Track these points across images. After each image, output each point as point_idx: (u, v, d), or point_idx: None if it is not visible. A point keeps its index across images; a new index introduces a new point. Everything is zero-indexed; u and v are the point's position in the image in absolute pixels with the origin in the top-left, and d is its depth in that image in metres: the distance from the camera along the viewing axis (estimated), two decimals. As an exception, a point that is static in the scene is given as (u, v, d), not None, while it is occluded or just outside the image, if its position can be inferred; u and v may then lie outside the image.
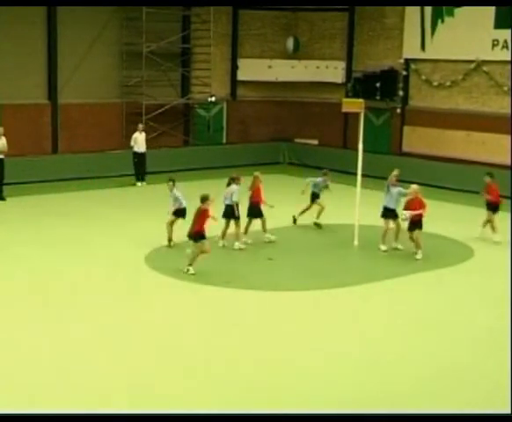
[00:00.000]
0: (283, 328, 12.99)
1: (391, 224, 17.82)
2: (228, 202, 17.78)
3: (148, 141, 28.50)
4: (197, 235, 15.54)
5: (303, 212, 19.76)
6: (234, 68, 31.60)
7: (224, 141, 31.82)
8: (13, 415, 9.21)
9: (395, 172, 18.00)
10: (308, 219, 20.21)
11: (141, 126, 25.82)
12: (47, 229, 19.31)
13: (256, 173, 18.76)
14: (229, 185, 18.01)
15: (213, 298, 14.45)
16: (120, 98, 28.64)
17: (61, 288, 14.70)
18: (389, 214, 17.78)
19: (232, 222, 17.81)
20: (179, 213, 17.78)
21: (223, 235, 17.84)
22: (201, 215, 15.69)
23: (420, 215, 17.18)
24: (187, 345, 12.12)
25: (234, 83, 31.70)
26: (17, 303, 13.82)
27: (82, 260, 16.64)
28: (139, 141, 25.58)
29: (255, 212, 18.28)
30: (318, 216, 19.70)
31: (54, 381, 10.67)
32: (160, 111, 28.86)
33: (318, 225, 19.70)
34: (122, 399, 10.20)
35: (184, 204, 17.75)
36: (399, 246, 17.74)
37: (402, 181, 22.74)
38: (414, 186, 17.63)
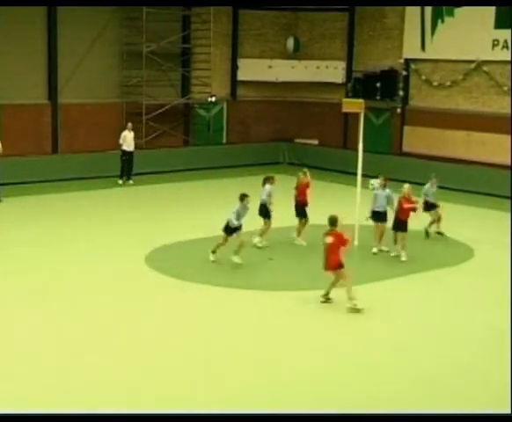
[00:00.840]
0: (283, 328, 12.98)
1: (380, 226, 17.75)
2: (262, 201, 17.87)
3: (148, 141, 28.59)
4: (338, 267, 13.95)
5: (433, 223, 19.09)
6: (234, 68, 31.60)
7: (224, 141, 31.83)
8: (13, 415, 9.20)
9: (380, 181, 17.86)
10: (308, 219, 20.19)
11: (130, 124, 25.86)
12: (47, 229, 19.30)
13: (301, 172, 18.76)
14: (264, 184, 17.94)
15: (213, 298, 14.44)
16: (120, 98, 28.64)
17: (60, 288, 14.69)
18: (378, 217, 17.70)
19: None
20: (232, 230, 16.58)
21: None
22: (337, 245, 13.90)
23: (406, 216, 17.14)
24: (187, 345, 12.11)
25: (234, 83, 31.71)
26: (16, 303, 13.81)
27: (82, 260, 16.63)
28: (128, 140, 25.60)
29: (298, 212, 18.30)
30: (438, 225, 18.95)
31: (53, 381, 10.66)
32: (160, 111, 28.86)
33: (440, 234, 18.91)
34: (122, 399, 10.19)
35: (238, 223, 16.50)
36: (384, 248, 17.63)
37: (402, 181, 22.76)
38: (406, 186, 17.60)
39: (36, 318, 13.03)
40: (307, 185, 18.63)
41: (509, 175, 24.29)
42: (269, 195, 17.91)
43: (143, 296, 14.45)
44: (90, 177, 25.94)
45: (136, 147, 27.60)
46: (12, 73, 26.07)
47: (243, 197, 16.50)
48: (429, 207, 19.12)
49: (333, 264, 13.87)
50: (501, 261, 17.14)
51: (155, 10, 27.72)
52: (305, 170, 18.98)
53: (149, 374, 10.98)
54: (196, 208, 22.14)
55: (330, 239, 13.89)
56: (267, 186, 17.95)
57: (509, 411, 9.71)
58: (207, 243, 18.18)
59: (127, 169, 25.85)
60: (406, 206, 17.13)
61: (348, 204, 19.54)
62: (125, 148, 25.61)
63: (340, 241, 13.89)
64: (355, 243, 18.17)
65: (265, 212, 17.91)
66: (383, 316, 13.69)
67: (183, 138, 30.65)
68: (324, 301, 14.05)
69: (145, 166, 27.29)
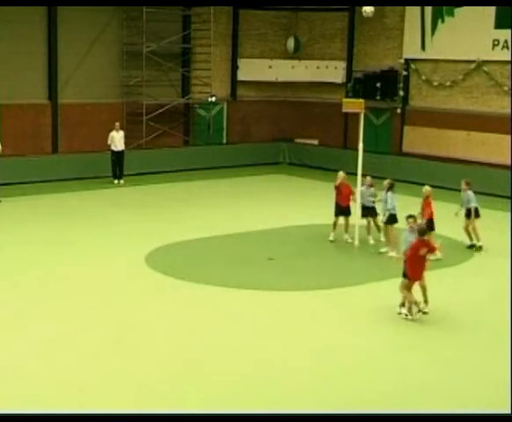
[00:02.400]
0: (283, 328, 12.97)
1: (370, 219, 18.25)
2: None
3: (148, 141, 28.58)
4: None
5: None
6: (234, 68, 31.59)
7: (224, 141, 31.82)
8: (13, 415, 9.16)
9: (367, 180, 18.25)
10: (309, 219, 20.19)
11: (117, 124, 25.64)
12: (47, 229, 19.29)
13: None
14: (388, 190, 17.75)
15: (213, 298, 14.43)
16: (120, 98, 28.63)
17: (60, 288, 14.69)
18: (367, 212, 18.19)
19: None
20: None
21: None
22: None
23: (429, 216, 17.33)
24: (186, 345, 12.11)
25: (234, 83, 31.70)
26: (16, 303, 13.80)
27: (81, 260, 16.62)
28: (116, 140, 25.47)
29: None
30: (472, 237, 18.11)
31: (52, 381, 10.66)
32: (160, 111, 28.86)
33: (473, 247, 18.05)
34: (121, 399, 10.18)
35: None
36: (372, 241, 18.06)
37: (402, 181, 22.83)
38: (427, 188, 17.79)
39: (36, 318, 13.03)
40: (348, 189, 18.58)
41: (509, 175, 24.28)
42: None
43: (143, 296, 14.44)
44: (90, 177, 25.92)
45: (137, 147, 27.64)
46: (12, 73, 26.05)
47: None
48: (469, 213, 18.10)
49: (421, 275, 13.51)
50: (500, 261, 17.12)
51: (155, 10, 27.71)
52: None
53: (148, 374, 10.98)
54: (196, 208, 22.13)
55: (424, 251, 13.39)
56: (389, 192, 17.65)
57: (509, 411, 9.69)
58: (207, 243, 18.22)
59: (118, 169, 25.68)
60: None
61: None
62: (113, 148, 25.47)
63: (431, 249, 13.64)
64: (356, 243, 18.17)
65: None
66: (382, 316, 13.67)
67: (183, 138, 30.65)
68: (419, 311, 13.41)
69: (145, 166, 27.29)
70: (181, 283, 15.18)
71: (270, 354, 11.82)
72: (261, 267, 16.44)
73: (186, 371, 11.13)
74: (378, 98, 28.78)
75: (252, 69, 31.47)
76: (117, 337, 12.37)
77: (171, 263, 16.63)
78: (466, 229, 18.19)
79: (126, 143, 25.87)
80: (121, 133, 25.62)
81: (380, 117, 29.94)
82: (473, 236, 18.13)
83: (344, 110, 19.31)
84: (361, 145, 18.35)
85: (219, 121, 31.40)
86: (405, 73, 28.99)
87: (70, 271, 15.83)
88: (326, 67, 31.13)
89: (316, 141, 31.71)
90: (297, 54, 31.59)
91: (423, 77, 28.64)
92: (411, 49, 28.75)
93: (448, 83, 27.93)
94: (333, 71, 30.97)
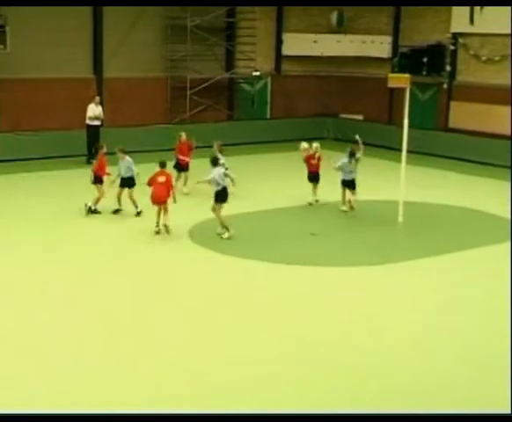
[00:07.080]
0: (323, 305, 12.91)
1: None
2: None
3: (192, 115, 28.61)
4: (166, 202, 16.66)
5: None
6: (279, 42, 31.41)
7: (268, 115, 31.72)
8: (13, 415, 8.69)
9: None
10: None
11: (98, 98, 24.52)
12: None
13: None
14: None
15: (262, 273, 14.39)
16: (164, 73, 28.68)
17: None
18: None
19: None
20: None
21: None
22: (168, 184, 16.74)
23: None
24: (240, 324, 12.12)
25: (279, 57, 31.54)
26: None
27: (130, 238, 16.70)
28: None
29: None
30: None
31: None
32: (205, 85, 28.85)
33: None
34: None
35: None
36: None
37: (448, 157, 22.36)
38: (315, 144, 19.96)
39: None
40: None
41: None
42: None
43: (191, 272, 14.49)
44: (132, 151, 25.89)
45: (180, 121, 27.65)
46: (59, 48, 26.24)
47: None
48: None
49: (165, 199, 16.43)
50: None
51: (200, -16, 27.64)
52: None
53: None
54: (240, 183, 22.04)
55: (163, 178, 16.55)
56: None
57: (509, 411, 9.38)
58: (251, 218, 18.19)
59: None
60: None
61: (393, 180, 19.36)
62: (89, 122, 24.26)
63: (170, 181, 16.76)
64: (400, 219, 17.96)
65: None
66: (418, 295, 13.53)
67: (227, 113, 30.62)
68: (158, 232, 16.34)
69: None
70: (226, 258, 15.15)
71: (328, 332, 11.73)
72: (304, 242, 16.37)
73: (237, 352, 11.11)
74: (425, 73, 28.34)
75: (297, 44, 31.26)
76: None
77: (215, 238, 16.60)
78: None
79: (170, 117, 25.80)
80: (100, 107, 24.45)
81: (426, 92, 29.53)
82: None
83: (389, 85, 19.09)
84: (406, 121, 18.13)
85: (263, 96, 31.30)
86: (452, 47, 28.49)
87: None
88: (372, 41, 30.79)
89: (361, 117, 31.45)
90: (343, 28, 31.26)
91: (471, 52, 28.15)
92: (459, 23, 28.24)
93: (497, 58, 27.42)
94: (379, 46, 30.60)
